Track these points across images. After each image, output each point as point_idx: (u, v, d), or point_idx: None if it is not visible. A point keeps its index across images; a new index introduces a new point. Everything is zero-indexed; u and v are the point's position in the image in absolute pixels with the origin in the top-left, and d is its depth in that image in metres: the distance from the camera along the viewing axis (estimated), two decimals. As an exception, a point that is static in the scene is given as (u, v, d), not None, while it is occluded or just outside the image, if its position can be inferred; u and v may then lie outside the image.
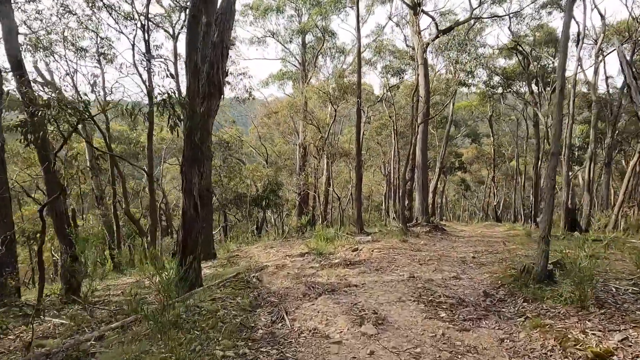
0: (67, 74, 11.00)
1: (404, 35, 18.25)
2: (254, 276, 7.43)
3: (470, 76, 12.11)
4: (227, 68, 6.91)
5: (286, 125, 24.96)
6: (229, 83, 13.36)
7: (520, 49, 16.43)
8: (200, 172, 6.48)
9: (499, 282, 5.95)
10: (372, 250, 9.50)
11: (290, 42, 21.16)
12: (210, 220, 10.78)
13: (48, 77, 13.55)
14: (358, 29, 11.37)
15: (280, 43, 21.28)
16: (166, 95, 4.70)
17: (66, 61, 10.67)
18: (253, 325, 4.47)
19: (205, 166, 6.60)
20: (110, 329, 4.49)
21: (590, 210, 13.96)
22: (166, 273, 4.13)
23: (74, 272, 5.58)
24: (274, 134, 28.82)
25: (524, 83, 22.09)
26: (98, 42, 10.93)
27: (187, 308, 4.64)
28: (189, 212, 6.40)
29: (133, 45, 9.33)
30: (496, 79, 24.60)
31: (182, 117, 6.23)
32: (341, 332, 4.12)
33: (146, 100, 11.07)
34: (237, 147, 28.71)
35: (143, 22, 8.78)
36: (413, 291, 5.31)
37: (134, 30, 10.09)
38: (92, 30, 11.05)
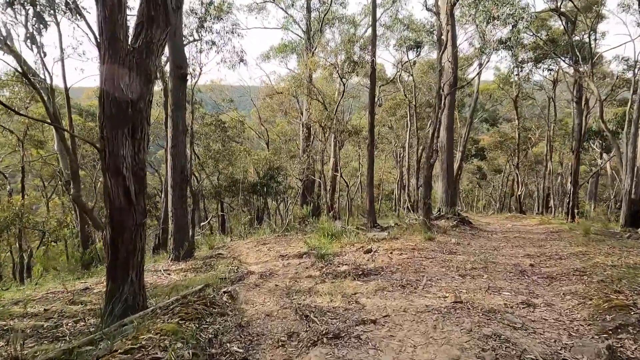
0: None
1: (424, -2, 15.61)
2: (225, 292, 5.22)
3: (515, 31, 9.58)
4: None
5: (289, 105, 22.63)
6: (213, 43, 10.95)
7: (563, 10, 13.77)
8: (137, 140, 4.22)
9: (609, 317, 3.64)
10: (391, 252, 7.24)
11: (293, 5, 18.61)
12: (185, 210, 8.59)
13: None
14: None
15: (282, 9, 18.77)
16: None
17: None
18: None
19: (145, 132, 4.34)
20: None
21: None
22: None
23: None
24: (276, 115, 26.53)
25: (556, 59, 19.37)
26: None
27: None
28: (117, 201, 4.18)
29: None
30: (523, 56, 21.91)
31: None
32: None
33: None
34: (239, 131, 26.54)
35: None
36: (479, 343, 3.02)
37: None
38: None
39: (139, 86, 4.21)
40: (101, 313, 4.35)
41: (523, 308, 4.17)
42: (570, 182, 16.21)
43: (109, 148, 4.02)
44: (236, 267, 7.06)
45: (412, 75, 15.90)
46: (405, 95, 20.19)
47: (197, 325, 3.89)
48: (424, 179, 10.29)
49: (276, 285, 5.66)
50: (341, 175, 16.44)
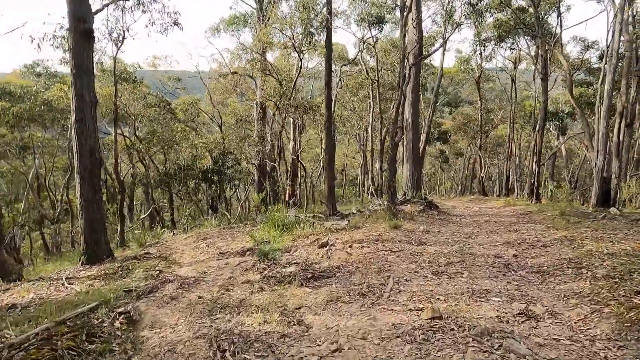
0: None
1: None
2: (121, 313, 3.78)
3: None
4: None
5: (243, 86, 20.93)
6: (138, 2, 8.97)
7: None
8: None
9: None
10: (350, 245, 6.04)
11: (242, -31, 16.74)
12: (99, 202, 6.92)
13: None
14: None
15: (231, -26, 16.86)
16: None
17: None
18: None
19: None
20: None
21: (619, 179, 11.10)
22: None
23: None
24: (230, 96, 24.69)
25: (522, 37, 18.94)
26: None
27: None
28: None
29: None
30: (484, 35, 21.35)
31: None
32: None
33: None
34: (193, 115, 24.54)
35: None
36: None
37: None
38: None
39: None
40: None
41: (523, 322, 3.08)
42: (535, 162, 15.77)
43: None
44: (157, 272, 5.58)
45: (374, 47, 14.68)
46: (367, 74, 19.06)
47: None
48: (389, 159, 9.17)
49: (199, 297, 4.29)
50: (299, 160, 15.09)
